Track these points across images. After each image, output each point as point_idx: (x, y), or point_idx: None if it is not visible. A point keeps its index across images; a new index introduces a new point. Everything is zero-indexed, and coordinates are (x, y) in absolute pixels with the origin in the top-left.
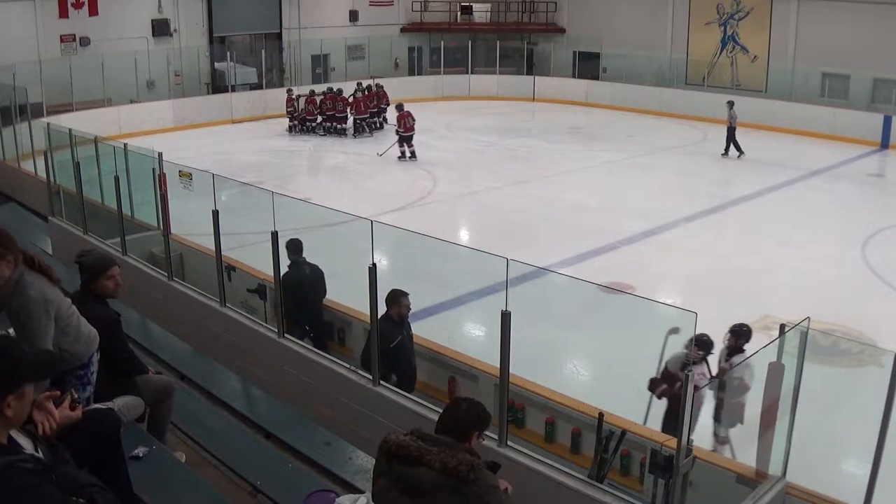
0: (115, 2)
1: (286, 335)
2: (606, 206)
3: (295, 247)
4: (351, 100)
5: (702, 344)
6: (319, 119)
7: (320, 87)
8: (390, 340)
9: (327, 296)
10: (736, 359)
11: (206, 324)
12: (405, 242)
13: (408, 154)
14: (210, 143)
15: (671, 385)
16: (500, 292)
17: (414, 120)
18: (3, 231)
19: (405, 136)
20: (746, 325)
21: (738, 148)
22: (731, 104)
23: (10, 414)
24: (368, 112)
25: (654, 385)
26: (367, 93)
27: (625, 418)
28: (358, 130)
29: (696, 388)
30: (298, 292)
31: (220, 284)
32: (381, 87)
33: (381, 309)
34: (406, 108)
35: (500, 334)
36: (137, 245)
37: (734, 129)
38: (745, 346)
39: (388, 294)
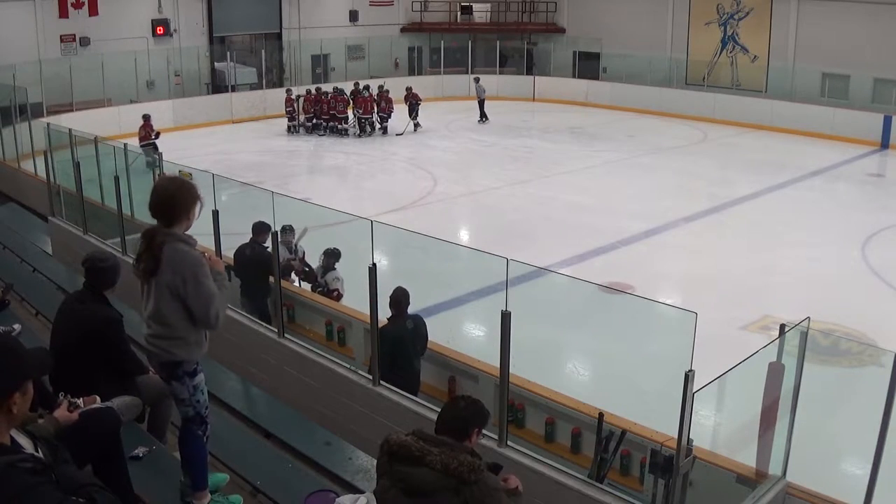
0: (115, 2)
1: (286, 335)
2: (606, 206)
3: (258, 228)
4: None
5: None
6: (314, 119)
7: (315, 88)
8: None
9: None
10: (329, 275)
11: None
12: (405, 242)
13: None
14: (210, 143)
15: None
16: (500, 292)
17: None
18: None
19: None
20: (337, 249)
21: (483, 115)
22: (477, 79)
23: (15, 411)
24: (371, 112)
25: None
26: (378, 92)
27: (625, 418)
28: (363, 129)
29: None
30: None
31: None
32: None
33: (383, 309)
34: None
35: (500, 334)
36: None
37: (483, 100)
38: (336, 265)
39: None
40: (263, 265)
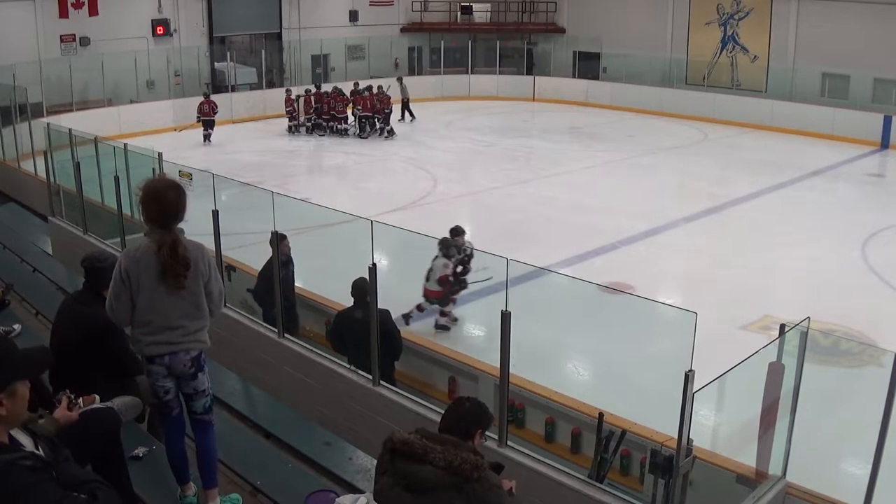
0: (115, 2)
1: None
2: (606, 206)
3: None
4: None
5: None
6: (313, 119)
7: (314, 87)
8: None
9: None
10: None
11: None
12: (405, 242)
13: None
14: (210, 142)
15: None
16: (500, 292)
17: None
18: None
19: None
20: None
21: (411, 114)
22: (400, 79)
23: (2, 412)
24: (372, 112)
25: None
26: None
27: (625, 418)
28: (363, 129)
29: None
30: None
31: None
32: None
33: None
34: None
35: (500, 334)
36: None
37: (408, 100)
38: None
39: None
40: (288, 280)
